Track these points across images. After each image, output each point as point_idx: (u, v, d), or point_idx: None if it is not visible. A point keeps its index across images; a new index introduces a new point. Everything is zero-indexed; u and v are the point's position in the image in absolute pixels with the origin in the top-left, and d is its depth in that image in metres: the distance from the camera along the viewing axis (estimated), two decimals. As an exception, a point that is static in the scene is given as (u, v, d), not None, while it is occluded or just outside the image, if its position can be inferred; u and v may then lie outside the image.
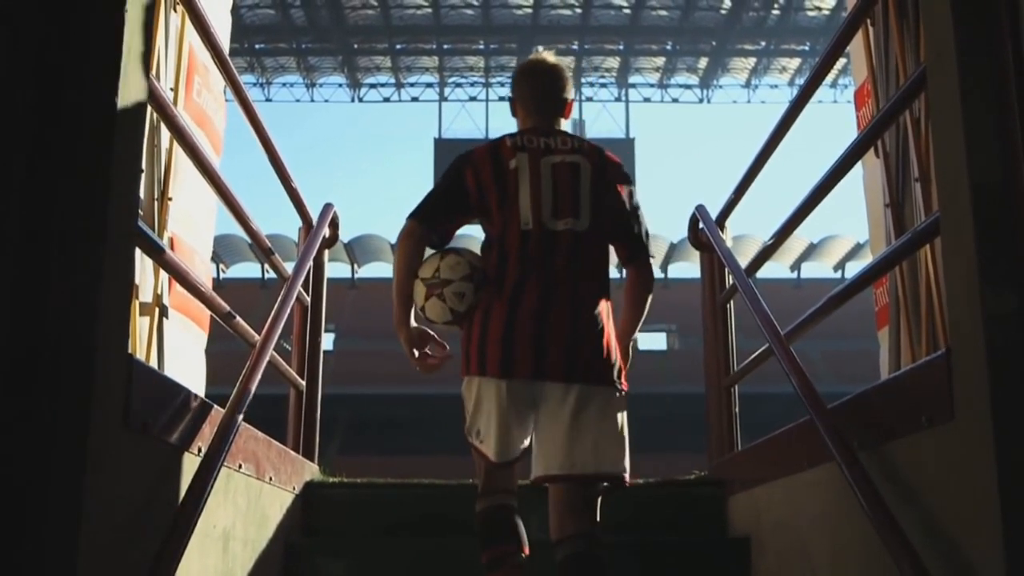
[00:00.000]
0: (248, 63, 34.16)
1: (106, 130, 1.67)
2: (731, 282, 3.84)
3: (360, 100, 37.59)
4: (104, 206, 1.65)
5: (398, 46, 34.50)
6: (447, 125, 36.84)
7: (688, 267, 35.49)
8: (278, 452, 3.12)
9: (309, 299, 3.87)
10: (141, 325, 3.14)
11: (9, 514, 1.50)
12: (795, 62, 34.55)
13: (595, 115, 39.21)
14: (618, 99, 37.12)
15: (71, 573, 1.53)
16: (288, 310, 3.07)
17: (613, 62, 36.12)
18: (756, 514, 3.16)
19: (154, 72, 2.91)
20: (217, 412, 2.30)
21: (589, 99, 36.99)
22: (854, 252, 34.74)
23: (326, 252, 4.05)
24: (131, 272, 2.19)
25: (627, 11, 32.01)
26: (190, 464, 2.11)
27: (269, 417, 3.58)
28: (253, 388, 2.46)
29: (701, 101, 37.48)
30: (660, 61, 35.82)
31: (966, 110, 1.70)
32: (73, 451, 1.55)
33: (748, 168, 3.60)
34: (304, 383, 3.79)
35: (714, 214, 3.96)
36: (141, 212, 2.86)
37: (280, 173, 3.56)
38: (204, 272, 3.97)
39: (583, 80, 36.29)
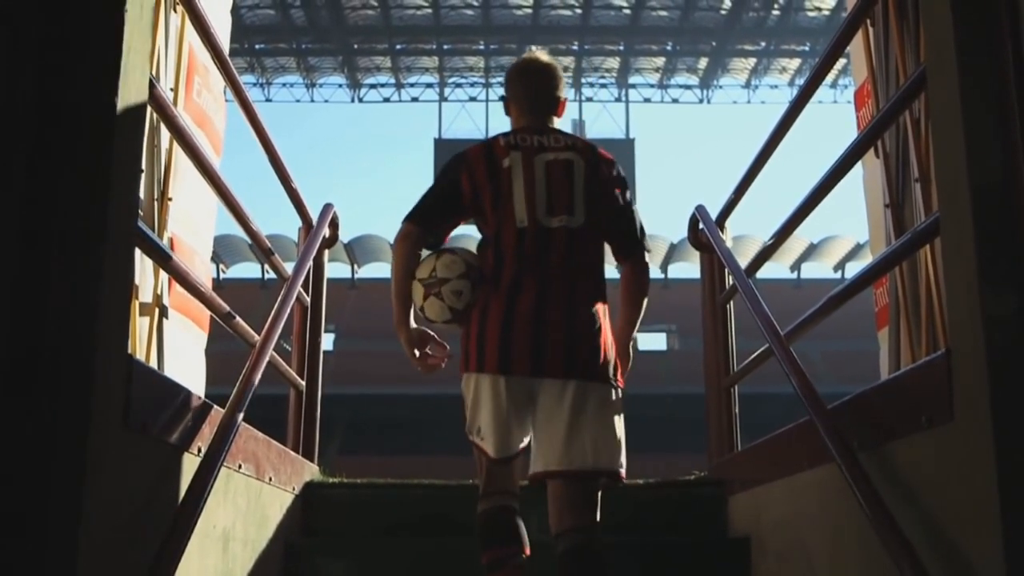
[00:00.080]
0: (248, 63, 34.17)
1: (106, 130, 1.67)
2: (731, 282, 3.84)
3: (360, 100, 37.62)
4: (104, 206, 1.65)
5: (398, 46, 34.51)
6: (447, 125, 36.93)
7: (688, 267, 35.52)
8: (278, 452, 3.12)
9: (309, 299, 3.87)
10: (141, 325, 3.14)
11: (9, 514, 1.50)
12: (795, 62, 34.56)
13: (595, 115, 39.34)
14: (618, 99, 37.15)
15: (71, 573, 1.53)
16: (288, 310, 3.07)
17: (613, 62, 36.13)
18: (756, 514, 3.16)
19: (154, 72, 2.91)
20: (217, 412, 2.30)
21: (589, 99, 37.04)
22: (854, 252, 34.76)
23: (326, 252, 4.05)
24: (131, 272, 2.19)
25: (627, 11, 32.02)
26: (190, 464, 2.11)
27: (269, 417, 3.58)
28: (253, 388, 2.46)
29: (701, 101, 37.53)
30: (660, 61, 35.84)
31: (966, 110, 1.70)
32: (73, 451, 1.55)
33: (748, 168, 3.60)
34: (304, 383, 3.79)
35: (714, 214, 3.96)
36: (141, 212, 2.86)
37: (280, 173, 3.56)
38: (204, 272, 3.97)
39: (583, 80, 36.32)
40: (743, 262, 3.51)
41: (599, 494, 2.36)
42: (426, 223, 2.50)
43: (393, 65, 35.79)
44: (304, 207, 3.84)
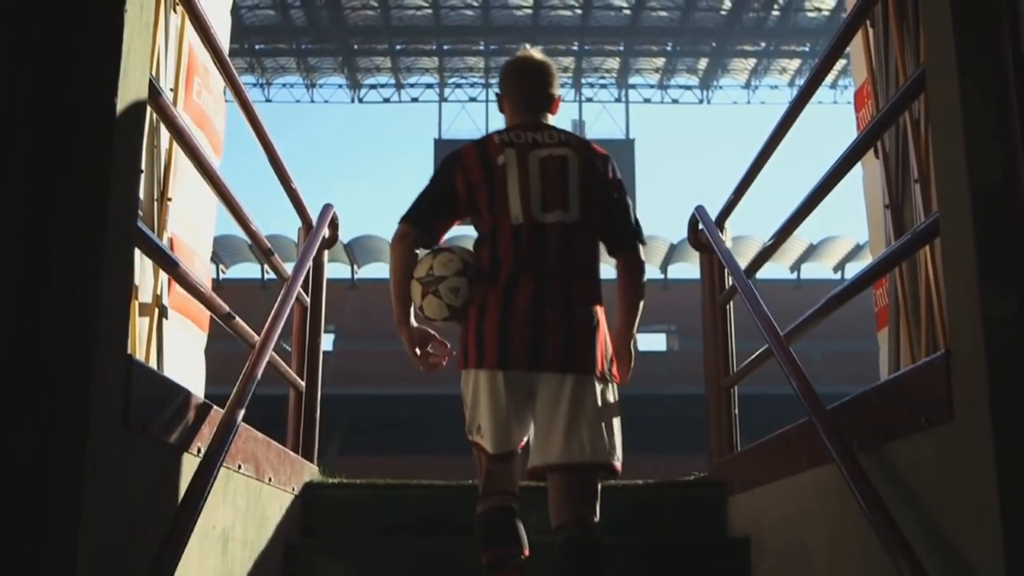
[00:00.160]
0: (248, 64, 34.17)
1: (106, 130, 1.67)
2: (731, 283, 3.84)
3: (360, 101, 37.63)
4: (104, 206, 1.65)
5: (398, 47, 34.52)
6: (447, 126, 36.92)
7: (688, 268, 35.52)
8: (278, 453, 3.12)
9: (309, 299, 3.87)
10: (141, 325, 3.14)
11: (9, 514, 1.50)
12: (795, 63, 34.56)
13: (595, 116, 39.29)
14: (618, 100, 37.16)
15: (71, 573, 1.53)
16: (288, 310, 3.07)
17: (613, 63, 36.13)
18: (756, 515, 3.16)
19: (154, 72, 2.91)
20: (216, 412, 2.30)
21: (589, 100, 37.06)
22: (854, 253, 34.75)
23: (326, 252, 4.05)
24: (131, 272, 2.19)
25: (627, 12, 32.02)
26: (189, 464, 2.11)
27: (269, 417, 3.58)
28: (252, 388, 2.46)
29: (701, 102, 37.53)
30: (660, 62, 35.84)
31: (966, 111, 1.70)
32: (73, 451, 1.55)
33: (748, 169, 3.60)
34: (304, 383, 3.79)
35: (714, 215, 3.96)
36: (141, 212, 2.86)
37: (280, 174, 3.56)
38: (204, 273, 3.96)
39: (583, 81, 36.32)
40: (743, 263, 3.51)
41: (598, 487, 2.38)
42: (422, 223, 2.53)
43: (393, 65, 35.79)
44: (304, 207, 3.84)
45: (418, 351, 2.54)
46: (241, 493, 2.65)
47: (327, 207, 3.96)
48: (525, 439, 2.45)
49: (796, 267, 37.50)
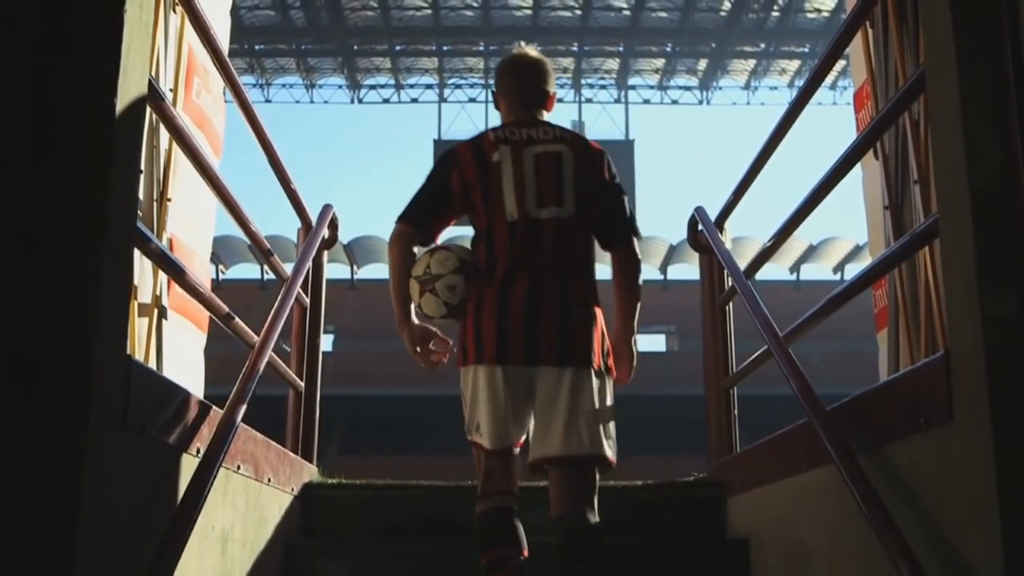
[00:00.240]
0: (248, 64, 34.14)
1: (106, 130, 1.67)
2: (730, 284, 3.84)
3: (360, 101, 37.59)
4: (104, 206, 1.65)
5: (398, 47, 34.50)
6: (447, 126, 36.86)
7: (687, 269, 35.49)
8: (277, 453, 3.11)
9: (308, 300, 3.87)
10: (140, 326, 3.14)
11: (9, 514, 1.50)
12: (795, 64, 34.55)
13: (595, 117, 39.33)
14: (618, 101, 37.13)
15: (70, 573, 1.53)
16: (287, 311, 3.07)
17: (613, 64, 36.12)
18: (755, 515, 3.16)
19: (154, 72, 2.91)
20: (216, 413, 2.30)
21: (589, 100, 37.01)
22: (853, 254, 34.75)
23: (325, 253, 4.05)
24: (130, 272, 2.19)
25: (627, 12, 32.01)
26: (189, 465, 2.11)
27: (268, 418, 3.58)
28: (252, 389, 2.47)
29: (701, 103, 37.49)
30: (660, 63, 35.82)
31: (965, 112, 1.70)
32: (72, 452, 1.55)
33: (747, 170, 3.60)
34: (303, 384, 3.79)
35: (713, 216, 3.96)
36: (140, 213, 2.86)
37: (279, 174, 3.57)
38: (203, 273, 3.96)
39: (583, 82, 36.30)
40: (742, 263, 3.51)
41: (596, 478, 2.40)
42: (418, 222, 2.55)
43: (393, 66, 35.77)
44: (303, 208, 3.84)
45: (419, 348, 2.56)
46: (240, 493, 2.65)
47: (326, 207, 3.97)
48: (524, 438, 2.45)
49: (796, 268, 37.49)
